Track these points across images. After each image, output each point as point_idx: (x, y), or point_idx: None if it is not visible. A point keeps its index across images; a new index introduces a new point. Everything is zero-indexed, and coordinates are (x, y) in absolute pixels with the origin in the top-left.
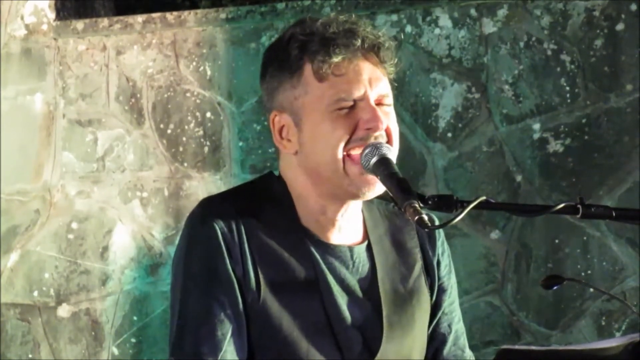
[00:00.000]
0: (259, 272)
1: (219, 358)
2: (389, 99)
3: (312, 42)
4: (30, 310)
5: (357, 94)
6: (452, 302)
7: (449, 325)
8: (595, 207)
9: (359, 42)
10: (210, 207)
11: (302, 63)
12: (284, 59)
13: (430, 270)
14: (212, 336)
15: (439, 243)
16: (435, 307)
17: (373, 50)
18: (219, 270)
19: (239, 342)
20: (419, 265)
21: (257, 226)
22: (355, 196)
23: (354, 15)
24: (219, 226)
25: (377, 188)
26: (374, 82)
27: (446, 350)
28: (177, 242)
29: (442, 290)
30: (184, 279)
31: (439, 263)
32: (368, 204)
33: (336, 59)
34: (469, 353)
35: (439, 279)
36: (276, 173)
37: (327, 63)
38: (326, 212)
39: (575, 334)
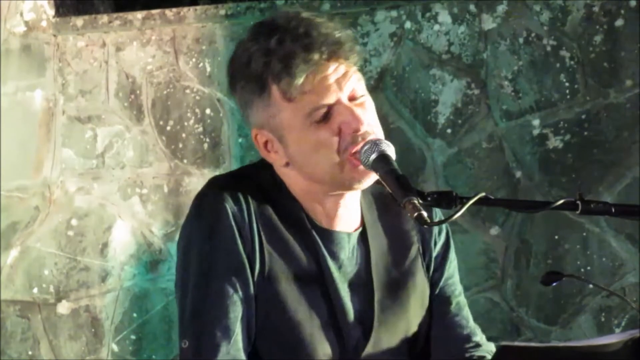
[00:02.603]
0: (266, 254)
1: (232, 341)
2: (361, 88)
3: (272, 63)
4: (29, 307)
5: (329, 101)
6: (450, 276)
7: (449, 298)
8: (595, 203)
9: (317, 56)
10: (219, 186)
11: (268, 83)
12: (249, 78)
13: (427, 251)
14: (225, 319)
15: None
16: (433, 285)
17: (333, 53)
18: (230, 251)
19: (247, 324)
20: (415, 248)
21: (264, 208)
22: (351, 188)
23: (304, 12)
24: (229, 205)
25: (369, 178)
26: (343, 81)
27: (448, 320)
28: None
29: (437, 267)
30: (195, 260)
31: (435, 243)
32: (364, 190)
33: (300, 80)
34: (473, 324)
35: (435, 258)
36: None
37: (292, 85)
38: (324, 205)
39: (575, 330)
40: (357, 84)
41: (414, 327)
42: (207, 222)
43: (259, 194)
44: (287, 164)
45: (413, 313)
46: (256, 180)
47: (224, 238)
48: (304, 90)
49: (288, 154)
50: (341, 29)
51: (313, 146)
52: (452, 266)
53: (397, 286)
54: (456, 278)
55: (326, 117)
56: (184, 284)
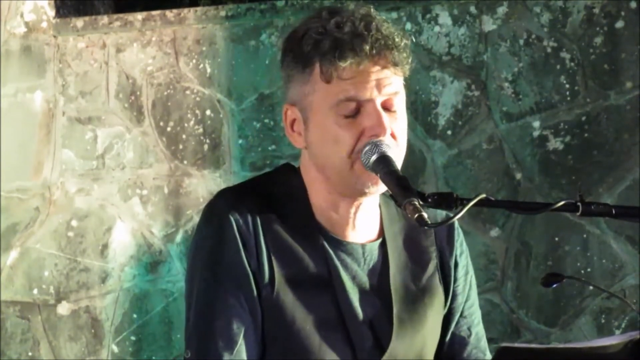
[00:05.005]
0: (274, 266)
1: (235, 352)
2: (398, 98)
3: (323, 42)
4: (30, 308)
5: (362, 96)
6: (471, 305)
7: (469, 328)
8: (595, 205)
9: (367, 47)
10: (226, 198)
11: (313, 61)
12: (298, 53)
13: (446, 270)
14: (228, 330)
15: (457, 244)
16: (453, 310)
17: (383, 53)
18: (235, 263)
19: (253, 336)
20: (433, 264)
21: (273, 219)
22: (361, 193)
23: (372, 10)
24: (234, 218)
25: (381, 184)
26: (382, 84)
27: (467, 353)
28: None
29: (459, 293)
30: (201, 271)
31: (456, 264)
32: (386, 200)
33: (343, 64)
34: (490, 356)
35: (456, 280)
36: (296, 164)
37: (334, 66)
38: (338, 209)
39: (575, 331)
40: (396, 95)
41: (429, 343)
42: (211, 235)
43: (268, 205)
44: (305, 147)
45: (429, 329)
46: (268, 190)
47: (228, 250)
48: (343, 76)
49: (307, 138)
50: (402, 37)
51: (330, 139)
52: (474, 293)
53: (415, 301)
54: (476, 305)
55: (353, 115)
56: (190, 296)
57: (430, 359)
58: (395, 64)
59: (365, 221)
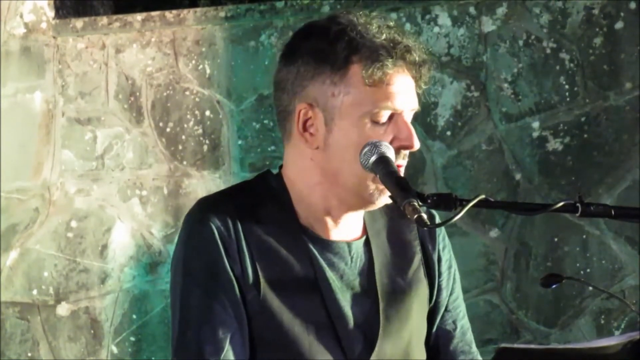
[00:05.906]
0: (258, 269)
1: (222, 357)
2: (412, 114)
3: (364, 45)
4: (29, 308)
5: (399, 107)
6: (455, 299)
7: (454, 322)
8: (595, 206)
9: (414, 58)
10: (206, 205)
11: (350, 63)
12: (327, 52)
13: (430, 264)
14: (214, 336)
15: (439, 238)
16: (438, 305)
17: (419, 68)
18: (218, 269)
19: (240, 341)
20: (417, 258)
21: (254, 224)
22: (368, 204)
23: (394, 22)
24: (215, 225)
25: (387, 196)
26: (412, 96)
27: (452, 346)
28: (176, 240)
29: (443, 287)
30: (183, 279)
31: (439, 259)
32: None
33: (390, 70)
34: (475, 349)
35: (440, 274)
36: (274, 171)
37: (381, 71)
38: (330, 212)
39: (575, 332)
40: (416, 107)
41: (415, 338)
42: (192, 242)
43: (248, 209)
44: (317, 148)
45: (415, 323)
46: (247, 195)
47: (210, 258)
48: (387, 81)
49: (327, 140)
50: (429, 54)
51: (355, 143)
52: (457, 286)
53: (401, 295)
54: (461, 298)
55: (384, 126)
56: (174, 305)
57: (417, 353)
58: (420, 78)
59: (351, 222)
